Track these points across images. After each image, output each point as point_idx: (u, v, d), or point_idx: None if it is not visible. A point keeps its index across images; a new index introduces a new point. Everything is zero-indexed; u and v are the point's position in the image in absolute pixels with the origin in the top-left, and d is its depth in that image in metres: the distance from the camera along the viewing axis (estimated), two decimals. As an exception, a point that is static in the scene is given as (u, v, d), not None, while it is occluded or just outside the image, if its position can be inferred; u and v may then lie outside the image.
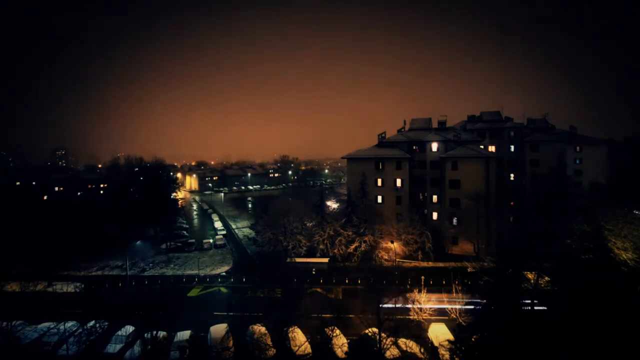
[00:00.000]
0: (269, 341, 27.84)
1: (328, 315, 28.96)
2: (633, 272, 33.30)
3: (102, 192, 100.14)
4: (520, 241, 36.93)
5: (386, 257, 49.08)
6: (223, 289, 43.64)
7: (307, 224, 54.97)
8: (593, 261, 35.15)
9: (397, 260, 47.88)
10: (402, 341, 26.63)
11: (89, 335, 26.76)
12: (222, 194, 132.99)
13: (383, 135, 62.88)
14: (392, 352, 25.70)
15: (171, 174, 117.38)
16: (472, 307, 29.10)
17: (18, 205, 63.75)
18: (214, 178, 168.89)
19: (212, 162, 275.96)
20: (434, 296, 35.95)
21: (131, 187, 75.24)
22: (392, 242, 48.54)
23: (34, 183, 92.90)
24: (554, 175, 57.99)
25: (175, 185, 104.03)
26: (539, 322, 19.38)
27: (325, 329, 27.56)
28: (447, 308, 30.46)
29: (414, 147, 59.01)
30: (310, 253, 50.66)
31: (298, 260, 47.83)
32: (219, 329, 29.45)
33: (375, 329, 26.49)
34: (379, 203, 57.84)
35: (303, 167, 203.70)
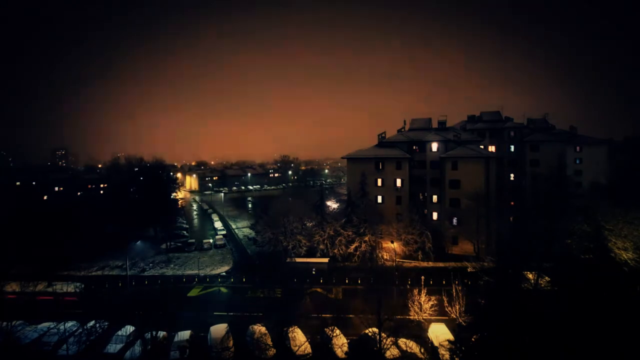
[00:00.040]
0: (269, 341, 27.83)
1: (328, 315, 28.99)
2: (633, 272, 33.34)
3: (102, 192, 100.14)
4: (520, 241, 36.96)
5: (386, 257, 49.10)
6: (223, 289, 43.64)
7: (307, 224, 54.98)
8: (593, 261, 35.18)
9: (397, 260, 47.88)
10: (402, 341, 26.61)
11: (89, 335, 26.77)
12: (222, 194, 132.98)
13: (383, 135, 62.88)
14: (392, 352, 25.68)
15: (171, 174, 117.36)
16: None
17: (18, 205, 63.73)
18: (214, 178, 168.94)
19: (212, 162, 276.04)
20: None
21: (131, 187, 75.24)
22: (392, 242, 48.53)
23: (34, 183, 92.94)
24: (554, 175, 58.01)
25: (175, 185, 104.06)
26: (539, 322, 19.36)
27: (325, 329, 27.55)
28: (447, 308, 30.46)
29: (414, 147, 59.01)
30: (310, 253, 50.66)
31: (298, 260, 47.84)
32: (219, 329, 29.44)
33: (375, 329, 26.48)
34: (379, 203, 57.84)
35: (303, 167, 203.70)
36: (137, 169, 79.95)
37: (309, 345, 28.05)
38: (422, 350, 26.84)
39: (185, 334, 29.78)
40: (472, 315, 25.48)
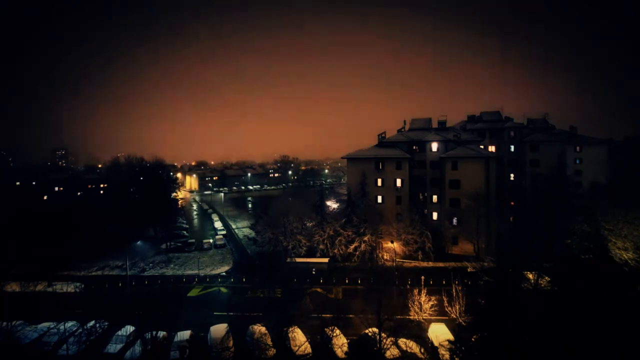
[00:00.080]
0: (269, 341, 27.83)
1: (328, 315, 29.01)
2: (633, 272, 33.33)
3: (102, 192, 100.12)
4: (520, 241, 36.97)
5: (386, 257, 49.10)
6: (223, 289, 43.64)
7: (307, 224, 54.99)
8: (593, 261, 35.18)
9: (397, 260, 47.88)
10: (402, 341, 26.62)
11: (89, 335, 26.78)
12: (222, 194, 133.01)
13: (383, 135, 62.89)
14: (392, 352, 25.68)
15: (171, 174, 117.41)
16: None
17: (18, 205, 63.76)
18: (214, 178, 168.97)
19: (212, 162, 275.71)
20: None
21: (131, 187, 75.25)
22: (392, 242, 48.54)
23: (34, 183, 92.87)
24: (554, 175, 58.03)
25: (175, 185, 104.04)
26: (539, 322, 19.36)
27: (325, 329, 27.55)
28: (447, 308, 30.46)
29: (414, 147, 59.01)
30: (310, 253, 50.67)
31: (298, 260, 47.85)
32: (219, 329, 29.44)
33: (375, 329, 26.48)
34: (379, 203, 57.84)
35: (303, 167, 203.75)
36: (137, 169, 79.96)
37: (309, 345, 28.05)
38: (422, 350, 26.84)
39: (185, 334, 29.78)
40: (472, 315, 25.49)
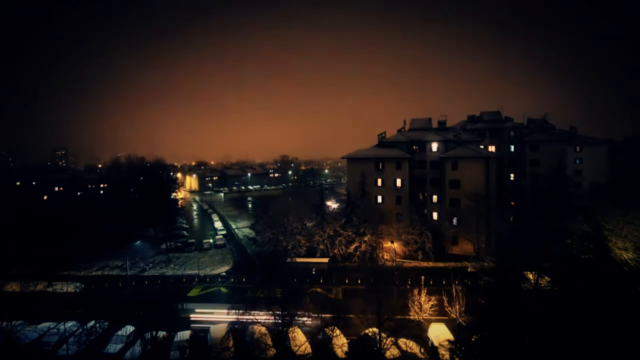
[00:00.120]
0: (269, 341, 27.85)
1: (328, 315, 28.99)
2: (633, 272, 33.31)
3: (102, 192, 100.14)
4: (520, 241, 36.97)
5: (386, 257, 49.09)
6: (223, 289, 43.64)
7: (307, 224, 55.00)
8: (593, 261, 35.15)
9: (397, 260, 47.88)
10: (402, 341, 26.62)
11: (89, 335, 26.79)
12: (222, 194, 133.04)
13: (383, 135, 62.90)
14: (392, 352, 25.69)
15: (171, 174, 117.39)
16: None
17: (18, 205, 63.79)
18: (214, 178, 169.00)
19: (212, 162, 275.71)
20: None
21: (131, 187, 75.26)
22: (392, 242, 48.54)
23: (34, 183, 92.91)
24: (554, 175, 58.04)
25: (175, 185, 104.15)
26: (539, 322, 19.35)
27: (325, 329, 27.56)
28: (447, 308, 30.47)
29: (414, 147, 59.01)
30: (310, 253, 50.67)
31: (298, 260, 47.86)
32: (219, 329, 29.45)
33: (375, 329, 26.48)
34: (379, 203, 57.84)
35: (303, 167, 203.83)
36: (137, 169, 79.98)
37: (309, 345, 28.06)
38: (422, 350, 26.85)
39: (185, 334, 29.79)
40: (472, 315, 25.50)
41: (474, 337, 21.86)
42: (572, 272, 27.33)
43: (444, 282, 39.79)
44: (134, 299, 31.07)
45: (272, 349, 27.27)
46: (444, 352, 25.18)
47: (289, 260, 47.24)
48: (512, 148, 67.30)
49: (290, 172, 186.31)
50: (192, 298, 40.94)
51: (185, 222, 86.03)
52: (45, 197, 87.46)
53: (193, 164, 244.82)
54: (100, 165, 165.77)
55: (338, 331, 27.95)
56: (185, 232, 74.02)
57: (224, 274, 49.10)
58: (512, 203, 60.57)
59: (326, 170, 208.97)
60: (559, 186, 54.68)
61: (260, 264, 47.60)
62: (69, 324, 30.16)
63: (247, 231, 73.32)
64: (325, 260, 48.37)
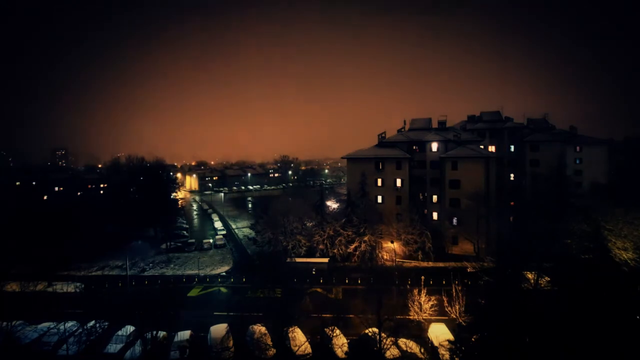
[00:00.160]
0: (269, 341, 27.83)
1: (328, 315, 29.01)
2: (633, 272, 33.28)
3: (102, 192, 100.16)
4: (520, 241, 36.91)
5: (386, 257, 49.09)
6: (223, 289, 43.64)
7: (307, 224, 55.02)
8: (593, 261, 35.08)
9: (397, 260, 47.88)
10: (402, 341, 26.63)
11: (89, 335, 26.77)
12: (222, 194, 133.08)
13: (383, 135, 62.90)
14: (392, 352, 25.69)
15: (171, 174, 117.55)
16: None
17: (18, 205, 63.79)
18: (214, 178, 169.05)
19: (212, 162, 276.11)
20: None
21: (131, 187, 75.29)
22: (392, 242, 48.54)
23: (34, 183, 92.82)
24: (554, 175, 57.97)
25: (175, 185, 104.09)
26: (539, 322, 19.36)
27: (325, 329, 27.55)
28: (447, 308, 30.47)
29: (414, 147, 59.01)
30: (310, 253, 50.67)
31: (298, 260, 47.85)
32: (219, 329, 29.45)
33: (375, 329, 26.48)
34: (379, 203, 57.85)
35: (303, 167, 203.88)
36: (137, 169, 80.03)
37: (309, 345, 28.05)
38: (422, 350, 26.84)
39: (185, 334, 29.77)
40: (472, 315, 25.46)
41: (474, 337, 21.84)
42: (572, 272, 27.30)
43: (444, 282, 39.80)
44: (134, 299, 31.00)
45: (272, 349, 27.25)
46: (444, 352, 25.18)
47: (288, 260, 47.19)
48: (512, 148, 67.25)
49: (290, 172, 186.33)
50: (192, 298, 40.95)
51: (185, 222, 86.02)
52: (45, 197, 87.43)
53: (193, 164, 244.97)
54: (100, 165, 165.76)
55: (338, 331, 27.94)
56: (185, 232, 74.01)
57: (224, 274, 49.09)
58: (512, 203, 60.53)
59: (326, 170, 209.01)
60: (559, 186, 54.66)
61: (260, 264, 47.51)
62: (69, 324, 30.20)
63: (247, 231, 73.32)
64: (325, 260, 48.37)
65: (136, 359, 26.51)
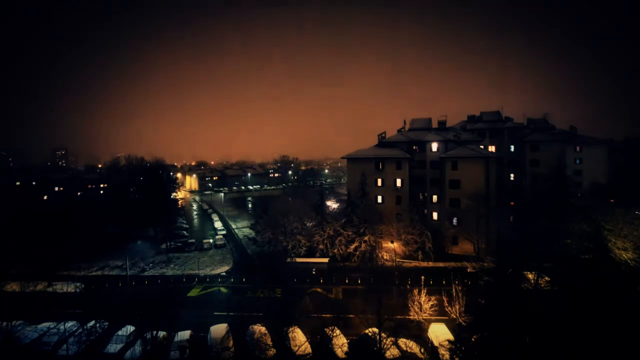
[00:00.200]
0: (269, 341, 27.83)
1: (328, 315, 29.00)
2: (633, 272, 33.28)
3: (102, 192, 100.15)
4: (520, 241, 36.92)
5: (386, 257, 49.09)
6: (223, 289, 43.64)
7: (307, 224, 55.02)
8: (593, 261, 35.10)
9: (397, 260, 47.88)
10: (402, 341, 26.62)
11: (89, 335, 26.77)
12: (222, 194, 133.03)
13: (383, 135, 62.91)
14: (392, 352, 25.68)
15: (171, 174, 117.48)
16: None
17: (18, 205, 63.78)
18: (214, 178, 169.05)
19: (212, 162, 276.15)
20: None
21: (131, 187, 75.25)
22: (392, 242, 48.54)
23: (34, 183, 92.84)
24: (554, 175, 57.99)
25: (175, 185, 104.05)
26: (539, 322, 19.35)
27: (325, 329, 27.54)
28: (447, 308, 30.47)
29: (414, 147, 59.01)
30: (310, 253, 50.68)
31: (298, 260, 47.86)
32: (219, 329, 29.45)
33: (375, 329, 26.49)
34: (379, 203, 57.85)
35: (303, 167, 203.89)
36: (137, 169, 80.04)
37: (309, 345, 28.05)
38: (422, 350, 26.84)
39: (185, 334, 29.77)
40: (472, 315, 25.46)
41: (474, 337, 21.84)
42: (572, 272, 27.28)
43: (444, 282, 39.80)
44: (134, 299, 31.01)
45: (272, 349, 27.24)
46: (444, 352, 25.18)
47: (288, 260, 47.20)
48: (512, 148, 67.23)
49: (290, 172, 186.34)
50: (192, 298, 40.95)
51: (185, 222, 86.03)
52: (45, 197, 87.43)
53: (193, 164, 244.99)
54: (100, 165, 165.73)
55: (338, 331, 27.93)
56: (185, 232, 74.02)
57: (224, 274, 49.09)
58: (512, 203, 60.54)
59: (326, 170, 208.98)
60: (559, 186, 54.67)
61: (260, 264, 47.52)
62: (69, 324, 30.19)
63: (247, 231, 73.32)
64: (325, 260, 48.37)
65: (136, 359, 26.50)
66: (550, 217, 41.35)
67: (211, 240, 65.12)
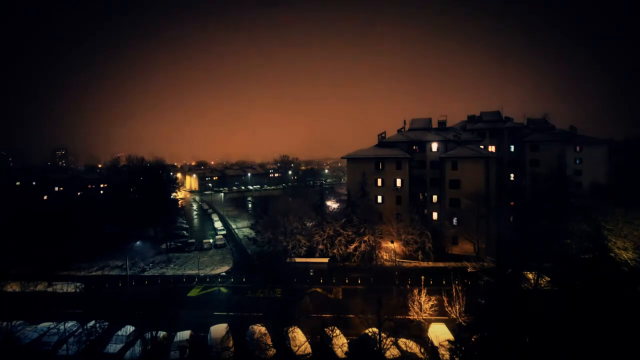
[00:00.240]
0: (269, 341, 27.83)
1: (328, 315, 29.00)
2: (633, 272, 33.30)
3: (102, 192, 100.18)
4: (520, 241, 36.95)
5: (386, 257, 49.09)
6: (223, 289, 43.64)
7: (307, 224, 55.01)
8: (593, 261, 35.11)
9: (397, 260, 47.88)
10: (402, 341, 26.63)
11: (89, 335, 26.78)
12: (222, 194, 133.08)
13: (383, 135, 62.91)
14: (392, 352, 25.69)
15: (171, 174, 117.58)
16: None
17: (18, 205, 63.80)
18: (214, 178, 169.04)
19: (212, 162, 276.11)
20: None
21: (131, 187, 75.26)
22: (392, 242, 48.55)
23: (34, 183, 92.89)
24: (554, 175, 57.98)
25: (175, 185, 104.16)
26: (539, 322, 19.35)
27: (325, 329, 27.53)
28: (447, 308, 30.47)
29: (414, 147, 59.01)
30: (310, 253, 50.68)
31: (298, 260, 47.85)
32: (219, 329, 29.45)
33: (375, 329, 26.48)
34: (379, 203, 57.85)
35: (303, 167, 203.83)
36: (137, 169, 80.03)
37: (309, 345, 28.05)
38: (422, 350, 26.86)
39: (185, 334, 29.77)
40: (472, 315, 25.44)
41: (474, 337, 21.83)
42: (572, 272, 27.28)
43: (444, 282, 39.80)
44: (134, 299, 31.05)
45: (272, 349, 27.25)
46: (444, 352, 25.19)
47: (288, 260, 47.19)
48: (512, 148, 67.22)
49: (290, 172, 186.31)
50: (192, 298, 40.95)
51: (185, 222, 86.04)
52: (45, 197, 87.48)
53: (193, 164, 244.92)
54: (100, 165, 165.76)
55: (338, 331, 27.93)
56: (185, 232, 74.02)
57: (224, 274, 49.09)
58: (512, 203, 60.55)
59: (326, 170, 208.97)
60: (559, 186, 54.66)
61: (260, 264, 47.52)
62: (69, 324, 30.19)
63: (247, 231, 73.32)
64: (325, 260, 48.37)
65: (136, 359, 26.50)
66: (550, 217, 41.34)
67: (211, 240, 65.12)
